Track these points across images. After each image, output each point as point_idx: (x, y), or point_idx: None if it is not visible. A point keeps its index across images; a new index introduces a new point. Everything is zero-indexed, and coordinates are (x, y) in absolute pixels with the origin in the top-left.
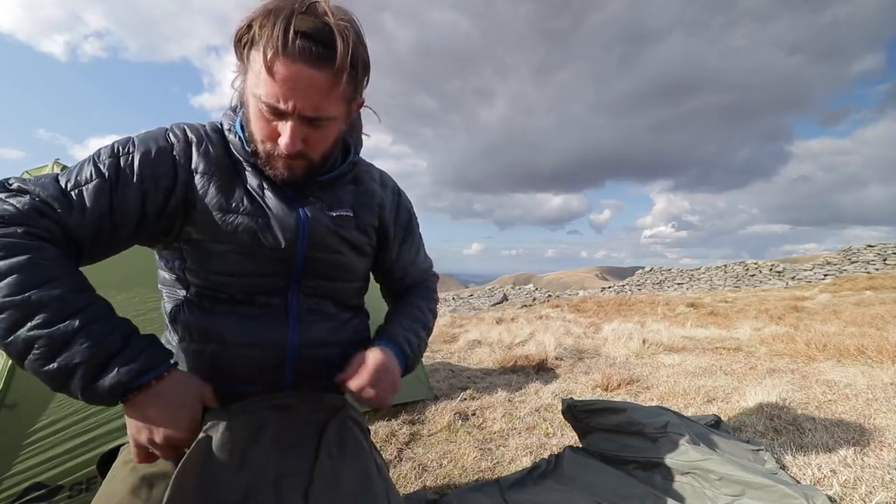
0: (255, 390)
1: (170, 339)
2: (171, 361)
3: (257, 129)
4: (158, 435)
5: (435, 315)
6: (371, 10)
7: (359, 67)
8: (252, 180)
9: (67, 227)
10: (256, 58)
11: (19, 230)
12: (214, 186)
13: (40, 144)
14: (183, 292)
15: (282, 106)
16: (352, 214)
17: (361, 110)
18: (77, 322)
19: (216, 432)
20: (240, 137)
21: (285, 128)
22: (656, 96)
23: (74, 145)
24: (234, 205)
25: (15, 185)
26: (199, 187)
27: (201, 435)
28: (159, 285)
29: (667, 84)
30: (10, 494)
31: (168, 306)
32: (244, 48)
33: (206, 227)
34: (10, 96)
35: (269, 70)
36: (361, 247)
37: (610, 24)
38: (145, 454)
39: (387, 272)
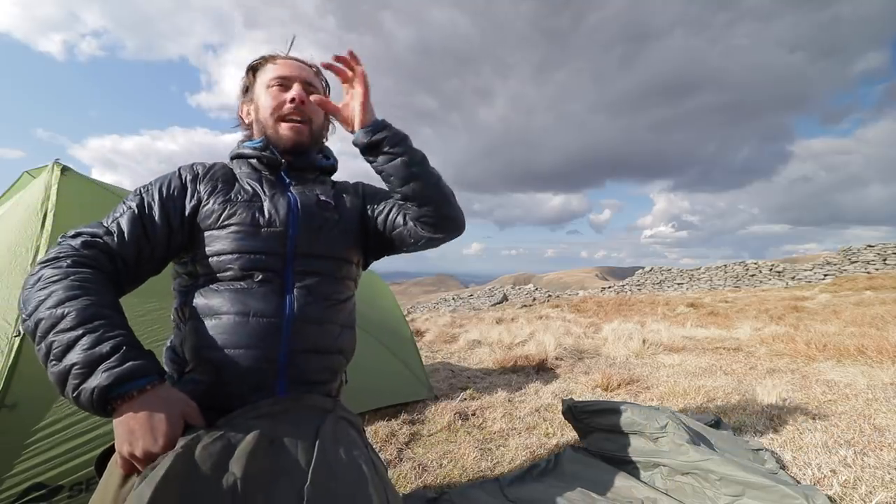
0: (253, 356)
1: (181, 327)
2: (160, 376)
3: (268, 106)
4: (138, 448)
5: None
6: (371, 9)
7: (325, 83)
8: (253, 174)
9: (113, 252)
10: (264, 70)
11: (68, 261)
12: (220, 185)
13: (39, 144)
14: (193, 282)
15: (286, 73)
16: (333, 204)
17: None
18: (82, 330)
19: (190, 448)
20: (251, 148)
21: (292, 91)
22: (656, 95)
23: (73, 145)
24: (233, 196)
25: (73, 232)
26: (205, 189)
27: (177, 450)
28: (173, 289)
29: (667, 83)
30: (10, 494)
31: (180, 298)
32: (254, 76)
33: (210, 216)
34: (8, 96)
35: (274, 64)
36: (348, 221)
37: (610, 22)
38: (129, 466)
39: (383, 223)
